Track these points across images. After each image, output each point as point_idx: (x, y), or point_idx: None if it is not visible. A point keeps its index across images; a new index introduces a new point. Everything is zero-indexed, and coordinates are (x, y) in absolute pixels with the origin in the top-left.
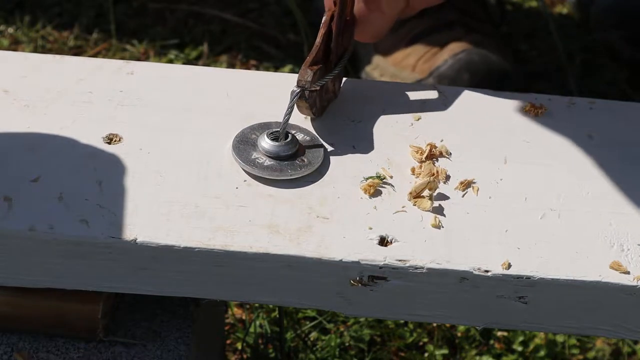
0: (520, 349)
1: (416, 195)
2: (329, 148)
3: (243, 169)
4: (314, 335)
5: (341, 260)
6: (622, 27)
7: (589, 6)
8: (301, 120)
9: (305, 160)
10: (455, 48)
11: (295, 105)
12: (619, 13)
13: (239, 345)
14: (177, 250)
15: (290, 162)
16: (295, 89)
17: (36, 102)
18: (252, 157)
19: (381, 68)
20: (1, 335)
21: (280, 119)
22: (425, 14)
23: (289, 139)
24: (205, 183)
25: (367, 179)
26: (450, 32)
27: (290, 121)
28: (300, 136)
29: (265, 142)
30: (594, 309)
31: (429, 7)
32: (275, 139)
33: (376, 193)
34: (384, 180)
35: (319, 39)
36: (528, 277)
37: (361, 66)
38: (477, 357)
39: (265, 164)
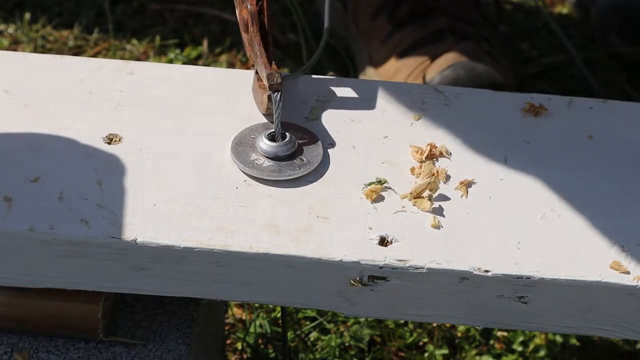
0: (520, 349)
1: (416, 196)
2: (329, 148)
3: (242, 171)
4: (314, 335)
5: (341, 260)
6: (622, 28)
7: (589, 6)
8: (300, 120)
9: (304, 159)
10: (442, 64)
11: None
12: (619, 13)
13: (239, 345)
14: (177, 250)
15: (289, 162)
16: (274, 94)
17: (36, 103)
18: (251, 158)
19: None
20: (1, 335)
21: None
22: (415, 21)
23: (287, 139)
24: (205, 183)
25: (369, 184)
26: (441, 43)
27: (290, 121)
28: (299, 136)
29: (264, 143)
30: (594, 309)
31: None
32: (273, 140)
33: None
34: (385, 184)
35: (257, 37)
36: (528, 277)
37: (356, 75)
38: (477, 357)
39: (264, 165)
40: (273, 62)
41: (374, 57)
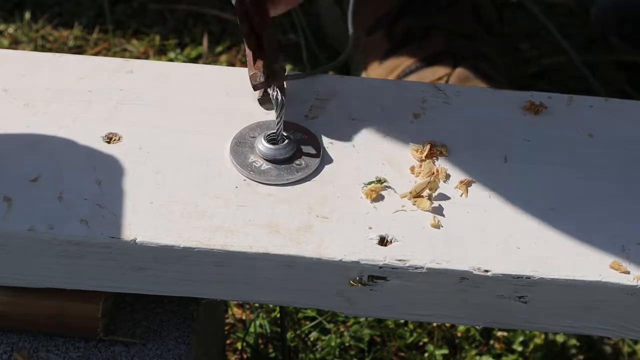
0: (520, 349)
1: (416, 195)
2: (329, 147)
3: (240, 173)
4: (314, 335)
5: (341, 260)
6: (621, 28)
7: (589, 6)
8: (300, 119)
9: (303, 162)
10: None
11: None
12: (619, 13)
13: (239, 345)
14: (177, 250)
15: (287, 165)
16: (273, 93)
17: (36, 101)
18: (250, 160)
19: None
20: (1, 335)
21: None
22: (413, 42)
23: (285, 142)
24: (205, 183)
25: (369, 184)
26: (439, 67)
27: (290, 120)
28: (298, 136)
29: (262, 145)
30: (594, 309)
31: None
32: (272, 142)
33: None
34: (384, 184)
35: (246, 33)
36: (528, 277)
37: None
38: (477, 357)
39: (262, 167)
40: (260, 60)
41: (370, 75)
